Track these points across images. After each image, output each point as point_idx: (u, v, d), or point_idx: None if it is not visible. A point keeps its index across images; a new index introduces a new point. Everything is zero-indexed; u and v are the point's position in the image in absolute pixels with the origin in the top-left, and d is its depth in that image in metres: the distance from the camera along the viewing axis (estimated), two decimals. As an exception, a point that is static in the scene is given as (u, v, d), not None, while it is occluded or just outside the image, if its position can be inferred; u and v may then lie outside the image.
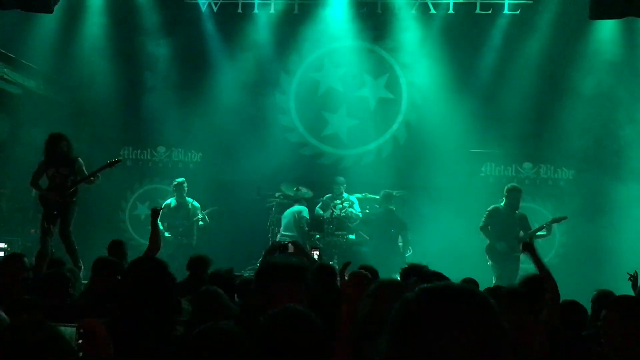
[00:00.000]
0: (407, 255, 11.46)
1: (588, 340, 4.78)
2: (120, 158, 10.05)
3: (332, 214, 12.03)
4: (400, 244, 11.69)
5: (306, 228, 12.18)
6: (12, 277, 5.77)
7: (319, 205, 12.45)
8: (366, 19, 13.73)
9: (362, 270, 5.28)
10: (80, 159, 9.62)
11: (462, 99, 13.12)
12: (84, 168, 9.57)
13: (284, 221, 12.31)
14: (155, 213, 7.20)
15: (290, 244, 6.86)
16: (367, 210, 12.46)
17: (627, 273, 6.70)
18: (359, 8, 13.68)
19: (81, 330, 2.15)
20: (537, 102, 13.24)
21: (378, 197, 12.54)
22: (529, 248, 5.60)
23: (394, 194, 11.96)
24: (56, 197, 9.38)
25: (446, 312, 1.52)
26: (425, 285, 1.61)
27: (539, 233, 10.83)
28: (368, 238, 11.87)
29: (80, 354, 2.15)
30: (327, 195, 12.57)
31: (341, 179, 12.54)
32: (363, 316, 3.90)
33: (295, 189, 12.57)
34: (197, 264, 6.90)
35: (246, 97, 13.81)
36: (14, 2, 10.64)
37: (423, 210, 12.24)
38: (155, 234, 7.00)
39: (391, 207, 11.80)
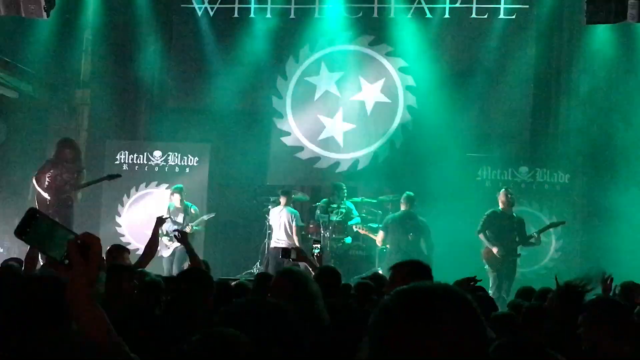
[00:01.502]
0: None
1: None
2: (120, 174, 10.01)
3: (329, 218, 12.02)
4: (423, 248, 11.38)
5: (299, 236, 12.06)
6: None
7: (317, 209, 12.42)
8: (362, 24, 13.75)
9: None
10: (84, 171, 9.67)
11: (458, 103, 13.15)
12: (84, 180, 9.61)
13: (275, 225, 12.13)
14: (159, 221, 7.22)
15: (293, 249, 6.88)
16: (365, 215, 12.49)
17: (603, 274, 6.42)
18: (355, 13, 13.71)
19: (79, 241, 2.12)
20: (533, 106, 13.28)
21: (375, 201, 12.57)
22: None
23: (414, 195, 11.78)
24: (49, 197, 9.41)
25: (424, 312, 1.51)
26: (400, 287, 1.60)
27: (531, 240, 10.84)
28: (388, 246, 11.58)
29: (66, 262, 2.11)
30: (324, 200, 12.57)
31: (342, 184, 12.49)
32: None
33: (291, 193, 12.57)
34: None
35: (242, 101, 13.82)
36: (11, 7, 10.62)
37: (419, 214, 12.22)
38: (153, 241, 7.01)
39: (411, 210, 11.65)
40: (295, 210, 12.23)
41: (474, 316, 1.54)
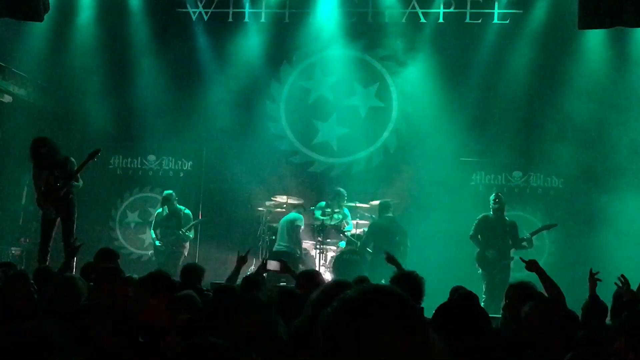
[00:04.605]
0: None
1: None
2: (100, 148, 9.84)
3: (323, 222, 11.99)
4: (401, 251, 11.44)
5: (300, 237, 12.05)
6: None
7: (316, 210, 12.35)
8: (357, 28, 13.77)
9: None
10: (72, 159, 9.57)
11: (452, 107, 13.18)
12: (75, 167, 9.53)
13: (279, 230, 12.08)
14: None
15: (275, 262, 6.90)
16: (357, 219, 12.47)
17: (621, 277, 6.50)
18: (350, 17, 13.73)
19: None
20: (526, 111, 13.29)
21: (368, 206, 12.51)
22: (534, 266, 5.82)
23: (390, 202, 11.81)
24: (51, 200, 9.36)
25: (366, 316, 1.57)
26: (341, 296, 1.67)
27: (523, 243, 10.83)
28: (370, 251, 11.50)
29: None
30: (322, 203, 12.52)
31: (344, 191, 12.39)
32: None
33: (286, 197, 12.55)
34: (190, 273, 6.85)
35: (237, 105, 13.81)
36: (4, 11, 10.62)
37: (413, 219, 12.23)
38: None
39: (390, 215, 11.68)
40: (297, 215, 12.16)
41: (413, 314, 1.61)
